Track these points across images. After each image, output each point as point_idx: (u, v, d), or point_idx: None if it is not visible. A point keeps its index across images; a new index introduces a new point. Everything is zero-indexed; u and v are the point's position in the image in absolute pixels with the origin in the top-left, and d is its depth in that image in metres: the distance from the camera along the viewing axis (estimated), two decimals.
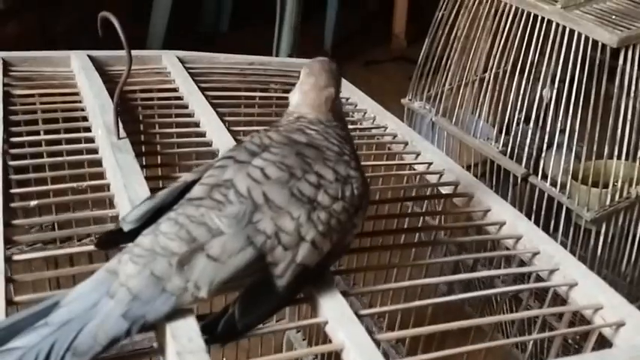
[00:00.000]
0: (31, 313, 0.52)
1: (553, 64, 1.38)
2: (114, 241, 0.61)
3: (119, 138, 0.79)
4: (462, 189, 0.85)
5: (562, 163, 1.37)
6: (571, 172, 1.38)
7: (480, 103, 1.55)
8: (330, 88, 0.67)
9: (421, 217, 0.88)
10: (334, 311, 0.59)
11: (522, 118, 1.52)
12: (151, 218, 0.59)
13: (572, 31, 1.32)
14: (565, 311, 0.69)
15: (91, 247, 0.65)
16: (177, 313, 0.54)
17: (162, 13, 2.60)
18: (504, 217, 0.79)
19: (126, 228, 0.59)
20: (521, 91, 1.47)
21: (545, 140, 1.42)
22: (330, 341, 0.59)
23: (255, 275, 0.56)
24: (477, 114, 1.57)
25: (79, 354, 0.50)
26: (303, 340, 1.37)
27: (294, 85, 1.11)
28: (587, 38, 1.30)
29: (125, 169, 0.73)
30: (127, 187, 0.70)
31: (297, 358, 0.60)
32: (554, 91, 1.47)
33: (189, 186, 0.61)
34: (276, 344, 1.40)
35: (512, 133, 1.50)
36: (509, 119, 1.53)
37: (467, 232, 0.82)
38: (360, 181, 0.63)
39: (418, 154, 0.93)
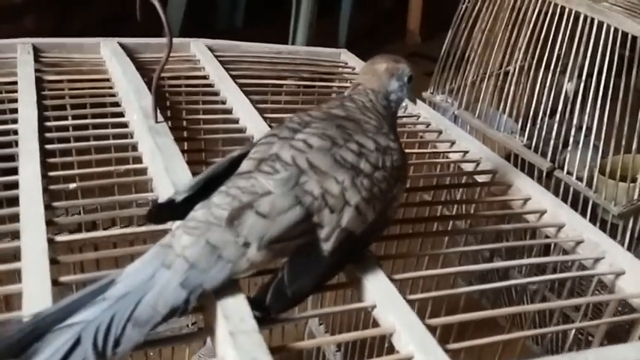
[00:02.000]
0: (88, 291, 0.51)
1: (580, 57, 1.37)
2: (164, 216, 0.61)
3: (157, 122, 0.78)
4: (500, 177, 0.84)
5: (588, 157, 1.35)
6: (598, 166, 1.37)
7: (504, 97, 1.54)
8: (381, 64, 0.71)
9: (456, 206, 0.87)
10: (382, 295, 0.58)
11: (548, 112, 1.51)
12: (201, 189, 0.59)
13: (600, 23, 1.31)
14: (612, 299, 0.68)
15: (132, 230, 0.65)
16: (228, 293, 0.53)
17: (178, 9, 2.59)
18: (545, 205, 0.78)
19: (178, 198, 0.59)
20: (547, 85, 1.46)
21: (572, 134, 1.41)
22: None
23: (302, 238, 0.55)
24: (501, 107, 1.56)
25: (140, 324, 0.49)
26: (326, 332, 1.37)
27: (321, 73, 1.12)
28: (616, 30, 1.28)
29: (165, 152, 0.72)
30: (168, 169, 0.69)
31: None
32: (581, 85, 1.45)
33: (235, 160, 0.61)
34: (298, 337, 1.39)
35: (537, 126, 1.49)
36: (533, 113, 1.52)
37: (505, 221, 0.81)
38: (400, 153, 0.64)
39: (453, 143, 0.92)
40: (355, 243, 0.59)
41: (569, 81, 1.53)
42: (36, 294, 0.54)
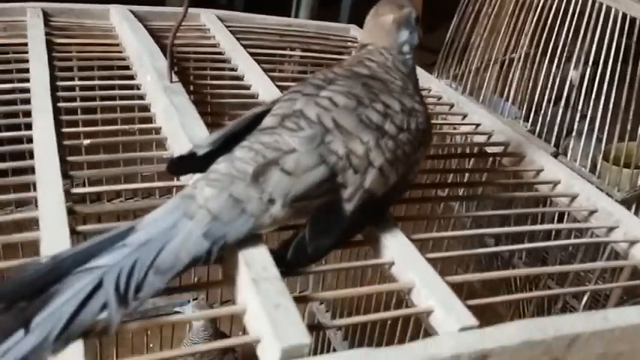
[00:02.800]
0: (107, 237, 0.50)
1: (587, 43, 1.37)
2: (184, 168, 0.60)
3: (172, 82, 0.77)
4: (513, 149, 0.83)
5: (592, 146, 1.36)
6: (602, 153, 1.37)
7: (508, 83, 1.54)
8: (386, 15, 0.68)
9: (467, 174, 0.86)
10: (401, 252, 0.58)
11: (552, 100, 1.51)
12: (223, 145, 0.57)
13: (608, 8, 1.31)
14: (625, 265, 0.68)
15: (148, 185, 0.64)
16: (249, 244, 0.53)
17: None
18: (559, 176, 0.78)
19: (200, 152, 0.58)
20: (552, 72, 1.46)
21: (576, 121, 1.41)
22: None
23: (325, 197, 0.55)
24: (505, 93, 1.56)
25: (162, 272, 0.48)
26: (327, 312, 1.36)
27: (331, 46, 1.11)
28: (624, 15, 1.28)
29: (182, 110, 0.72)
30: (184, 126, 0.68)
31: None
32: (587, 72, 1.46)
33: (257, 117, 0.60)
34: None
35: (542, 112, 1.49)
36: (538, 99, 1.52)
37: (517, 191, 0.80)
38: (425, 116, 0.63)
39: (465, 116, 0.92)
40: (376, 204, 0.58)
41: (574, 68, 1.54)
42: (55, 240, 0.54)
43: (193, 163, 0.58)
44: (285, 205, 0.53)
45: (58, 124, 0.71)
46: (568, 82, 1.49)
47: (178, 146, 0.68)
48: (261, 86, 0.87)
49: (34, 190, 0.60)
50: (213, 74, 0.92)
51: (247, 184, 0.53)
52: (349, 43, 1.14)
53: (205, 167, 0.57)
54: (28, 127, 0.72)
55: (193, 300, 1.25)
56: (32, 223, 0.59)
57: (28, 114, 0.73)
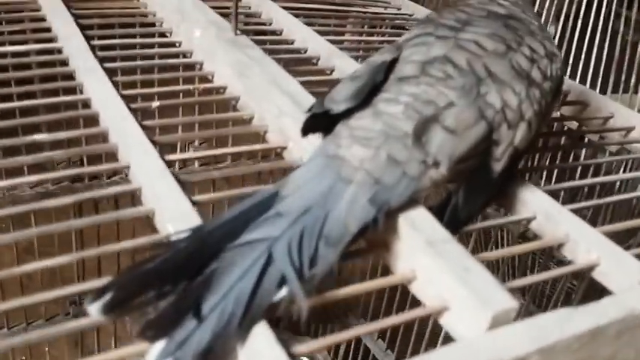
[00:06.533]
0: (249, 206, 0.44)
1: None
2: (315, 127, 0.52)
3: (237, 34, 0.69)
4: (574, 98, 0.81)
5: None
6: None
7: None
8: None
9: None
10: (545, 206, 0.54)
11: None
12: (362, 101, 0.50)
13: None
14: None
15: (248, 148, 0.57)
16: (407, 207, 0.47)
17: None
18: (632, 122, 0.76)
19: (338, 108, 0.50)
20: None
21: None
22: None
23: (479, 157, 0.50)
24: None
25: (332, 243, 0.42)
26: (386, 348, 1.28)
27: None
28: None
29: (262, 63, 0.64)
30: (276, 82, 0.61)
31: None
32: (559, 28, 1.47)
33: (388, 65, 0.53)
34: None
35: None
36: None
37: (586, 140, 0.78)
38: (561, 61, 0.58)
39: None
40: (516, 161, 0.53)
41: (551, 24, 1.54)
42: (177, 213, 0.47)
43: (319, 121, 0.52)
44: (450, 167, 0.47)
45: (115, 86, 0.63)
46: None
47: (260, 105, 0.61)
48: (309, 40, 0.80)
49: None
50: (253, 29, 0.83)
51: (407, 144, 0.47)
52: (393, 10, 1.07)
53: (327, 125, 0.51)
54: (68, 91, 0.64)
55: None
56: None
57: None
